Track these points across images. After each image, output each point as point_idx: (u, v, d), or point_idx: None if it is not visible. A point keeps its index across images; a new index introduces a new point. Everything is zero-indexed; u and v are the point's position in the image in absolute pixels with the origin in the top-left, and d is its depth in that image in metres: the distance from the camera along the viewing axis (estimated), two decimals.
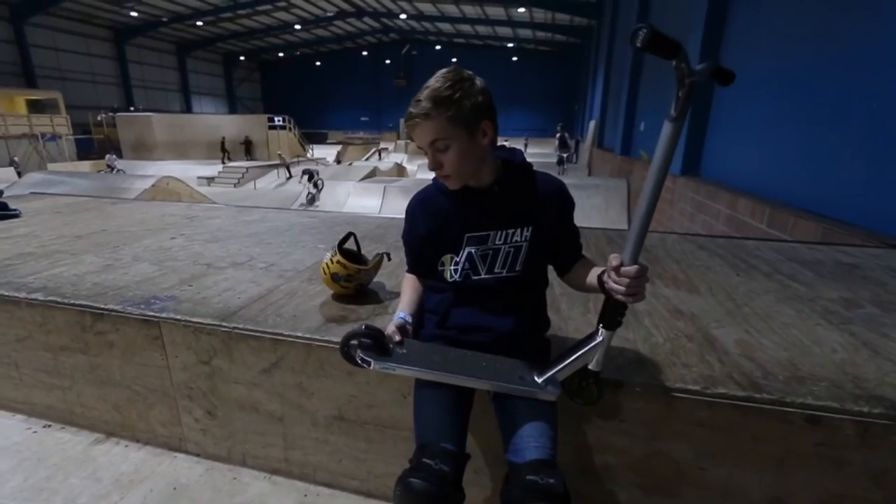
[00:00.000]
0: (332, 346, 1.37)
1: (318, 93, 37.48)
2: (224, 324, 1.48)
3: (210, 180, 15.88)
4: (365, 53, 36.67)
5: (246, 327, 1.45)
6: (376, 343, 1.00)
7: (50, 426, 1.86)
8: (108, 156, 17.24)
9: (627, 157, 11.11)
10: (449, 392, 1.05)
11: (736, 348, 1.37)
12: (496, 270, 1.11)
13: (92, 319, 1.64)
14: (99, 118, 22.60)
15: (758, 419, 1.13)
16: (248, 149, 20.27)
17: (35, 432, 1.84)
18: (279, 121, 21.93)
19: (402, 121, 0.96)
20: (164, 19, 26.19)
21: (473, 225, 1.11)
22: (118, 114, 21.97)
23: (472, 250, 1.10)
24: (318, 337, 1.38)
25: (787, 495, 1.17)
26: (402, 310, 1.17)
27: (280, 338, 1.41)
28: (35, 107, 20.58)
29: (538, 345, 1.22)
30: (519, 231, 1.10)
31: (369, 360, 0.99)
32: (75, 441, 1.78)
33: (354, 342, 1.01)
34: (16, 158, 16.21)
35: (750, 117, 5.30)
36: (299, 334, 1.40)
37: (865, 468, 1.11)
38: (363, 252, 1.79)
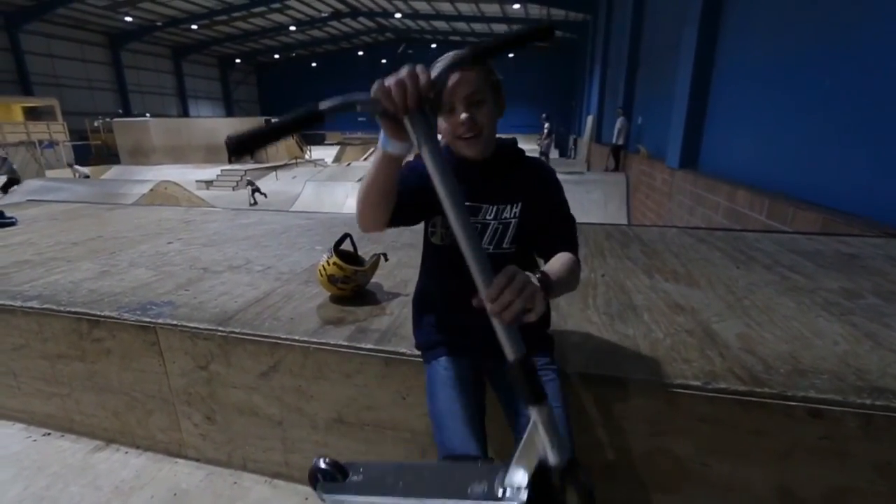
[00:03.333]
0: (330, 348, 1.36)
1: (314, 93, 36.79)
2: (221, 328, 1.47)
3: (208, 184, 15.88)
4: (361, 53, 36.61)
5: (243, 331, 1.44)
6: (333, 474, 0.93)
7: (49, 434, 1.86)
8: (73, 166, 17.24)
9: (626, 150, 11.09)
10: (466, 402, 1.04)
11: (737, 342, 1.36)
12: (484, 245, 1.07)
13: (88, 326, 1.63)
14: (96, 124, 22.58)
15: (760, 413, 1.12)
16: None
17: (35, 441, 1.83)
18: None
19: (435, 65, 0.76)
20: (159, 24, 26.14)
21: (470, 194, 1.07)
22: (115, 119, 21.95)
23: None
24: (315, 340, 1.37)
25: (791, 489, 1.16)
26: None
27: (278, 341, 1.40)
28: (32, 114, 20.54)
29: (538, 333, 1.17)
30: (509, 207, 1.08)
31: (322, 497, 0.91)
32: (75, 449, 1.77)
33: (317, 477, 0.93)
34: (14, 166, 16.16)
35: (748, 109, 5.28)
36: (297, 337, 1.39)
37: (869, 460, 1.10)
38: (360, 253, 1.78)
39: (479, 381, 1.12)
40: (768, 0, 4.93)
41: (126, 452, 1.74)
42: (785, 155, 4.47)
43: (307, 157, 22.51)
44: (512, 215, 1.07)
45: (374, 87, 0.68)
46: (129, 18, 24.69)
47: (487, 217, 1.07)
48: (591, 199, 9.37)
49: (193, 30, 27.93)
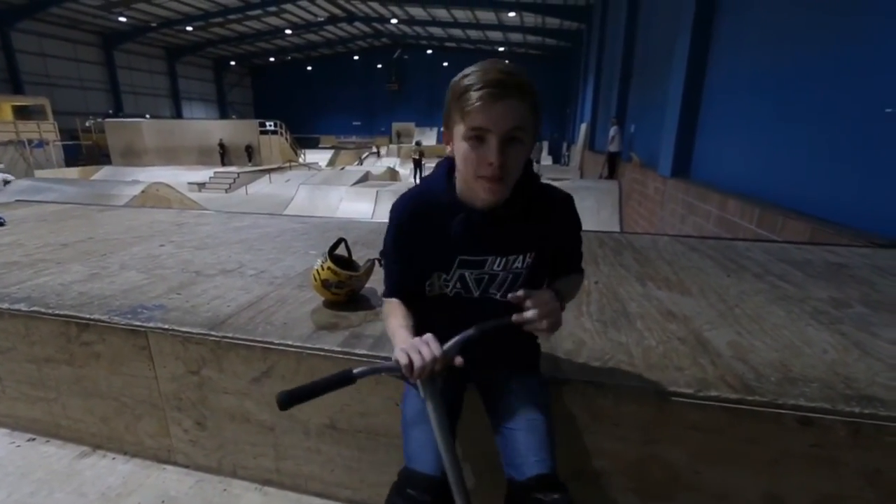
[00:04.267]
0: (323, 354, 1.35)
1: (309, 97, 37.42)
2: (213, 333, 1.45)
3: (201, 186, 15.77)
4: (356, 58, 36.67)
5: (235, 336, 1.43)
6: None
7: (34, 440, 1.82)
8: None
9: (619, 158, 11.19)
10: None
11: (728, 350, 1.37)
12: (491, 292, 0.99)
13: (77, 330, 1.61)
14: (87, 124, 22.35)
15: (751, 421, 1.13)
16: (250, 155, 20.17)
17: (18, 446, 1.80)
18: (271, 126, 21.85)
19: (472, 99, 0.77)
20: (154, 24, 26.02)
21: (468, 248, 0.96)
22: (107, 119, 21.75)
23: (466, 273, 0.98)
24: (309, 345, 1.37)
25: (782, 496, 1.17)
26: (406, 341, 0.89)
27: (270, 346, 1.39)
28: (22, 113, 20.29)
29: (528, 350, 1.16)
30: (521, 258, 0.96)
31: None
32: (60, 455, 1.74)
33: None
34: (1, 166, 15.90)
35: (739, 118, 5.36)
36: (290, 343, 1.38)
37: (859, 468, 1.11)
38: (354, 258, 1.77)
39: (455, 405, 1.09)
40: (760, 11, 5.02)
41: (113, 458, 1.71)
42: (775, 165, 4.54)
43: (301, 160, 22.46)
44: (524, 265, 0.97)
45: (397, 356, 0.84)
46: (123, 19, 24.56)
47: (495, 268, 0.97)
48: (584, 206, 9.33)
49: (188, 31, 27.84)
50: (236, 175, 16.48)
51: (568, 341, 1.42)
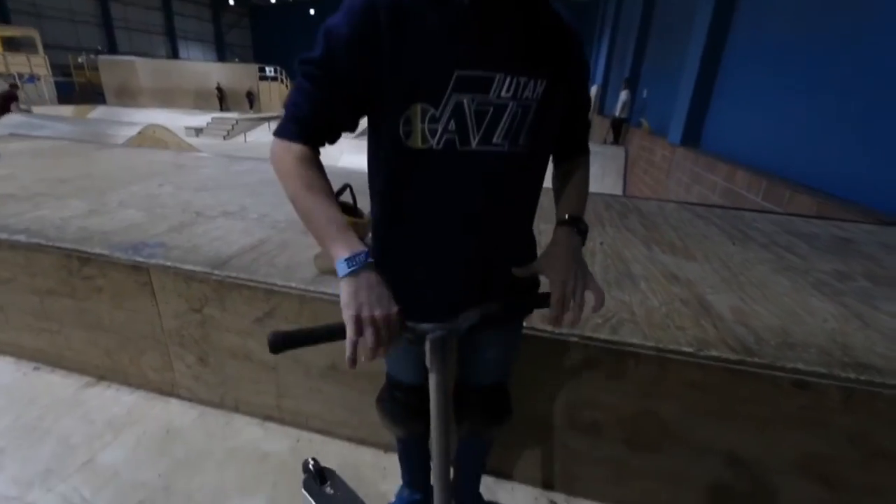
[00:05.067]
0: (326, 298, 1.35)
1: (311, 43, 35.78)
2: (216, 272, 1.44)
3: (198, 131, 15.39)
4: None
5: (238, 276, 1.42)
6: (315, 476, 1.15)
7: (39, 369, 1.86)
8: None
9: (628, 124, 10.92)
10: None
11: (730, 314, 1.38)
12: (495, 141, 0.71)
13: (79, 264, 1.60)
14: (80, 60, 21.47)
15: (748, 382, 1.15)
16: (251, 101, 19.53)
17: (25, 374, 1.83)
18: (271, 72, 21.04)
19: None
20: None
21: (473, 56, 0.67)
22: (100, 57, 20.88)
23: (465, 101, 0.68)
24: (312, 289, 1.36)
25: (767, 453, 1.21)
26: (357, 244, 0.66)
27: (273, 288, 1.39)
28: (10, 45, 19.42)
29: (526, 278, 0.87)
30: (532, 84, 0.71)
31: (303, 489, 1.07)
32: (66, 384, 1.77)
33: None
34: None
35: (755, 89, 5.19)
36: (293, 285, 1.38)
37: (845, 431, 1.15)
38: (359, 206, 1.74)
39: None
40: None
41: (118, 390, 1.75)
42: (787, 138, 4.44)
43: None
44: (534, 95, 0.72)
45: (347, 320, 0.64)
46: None
47: (503, 93, 0.69)
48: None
49: None
50: (235, 121, 16.04)
51: None
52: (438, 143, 0.69)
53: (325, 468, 1.18)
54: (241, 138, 15.22)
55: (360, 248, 0.66)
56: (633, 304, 1.40)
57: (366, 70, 0.67)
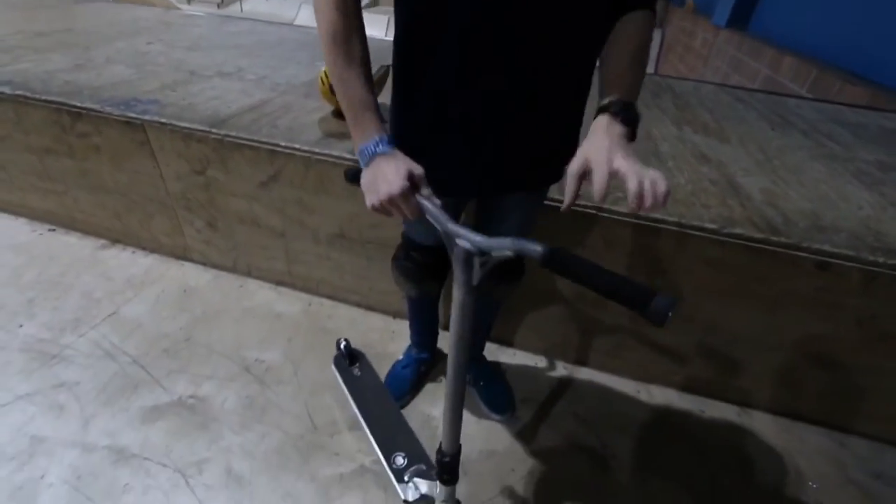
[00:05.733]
0: (332, 160, 1.28)
1: None
2: (215, 130, 1.35)
3: None
4: None
5: (239, 136, 1.34)
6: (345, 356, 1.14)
7: (55, 230, 1.88)
8: None
9: (668, 2, 9.62)
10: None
11: (760, 196, 1.30)
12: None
13: (70, 119, 1.50)
14: None
15: (768, 261, 1.11)
16: None
17: (41, 234, 1.86)
18: None
19: None
20: None
21: None
22: None
23: None
24: (317, 150, 1.28)
25: (769, 332, 1.23)
26: (378, 130, 0.65)
27: (277, 149, 1.31)
28: None
29: (560, 162, 0.82)
30: None
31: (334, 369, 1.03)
32: (82, 245, 1.80)
33: None
34: None
35: None
36: (297, 146, 1.29)
37: (855, 313, 1.14)
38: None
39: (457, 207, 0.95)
40: None
41: (133, 252, 1.78)
42: (847, 20, 3.88)
43: None
44: None
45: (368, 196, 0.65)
46: None
47: None
48: None
49: None
50: None
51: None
52: (473, 2, 0.59)
53: (355, 350, 1.21)
54: (237, 6, 13.79)
55: (375, 134, 0.65)
56: None
57: None
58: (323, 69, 1.44)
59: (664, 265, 1.19)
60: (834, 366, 1.25)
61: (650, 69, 8.20)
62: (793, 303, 1.17)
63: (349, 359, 1.20)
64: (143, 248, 1.78)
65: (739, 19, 5.98)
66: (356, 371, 1.20)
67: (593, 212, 1.16)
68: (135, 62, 1.95)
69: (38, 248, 1.78)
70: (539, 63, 0.67)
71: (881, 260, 1.07)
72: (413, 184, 0.63)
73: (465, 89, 0.69)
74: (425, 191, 0.64)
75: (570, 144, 0.78)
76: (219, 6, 14.09)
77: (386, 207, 0.63)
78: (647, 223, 1.14)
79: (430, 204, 0.62)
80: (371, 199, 0.64)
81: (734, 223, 1.13)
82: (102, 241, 1.82)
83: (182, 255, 1.73)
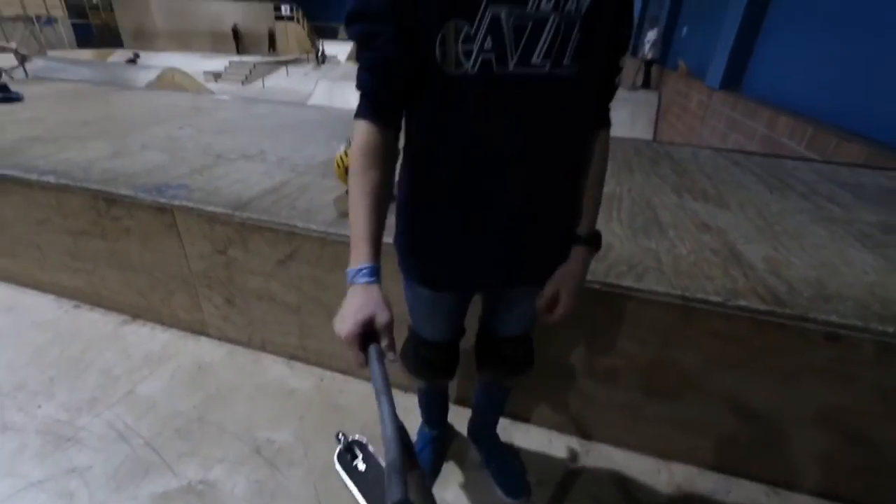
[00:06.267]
0: (347, 240, 1.34)
1: None
2: (238, 213, 1.45)
3: (217, 76, 15.15)
4: None
5: (260, 218, 1.43)
6: (346, 451, 0.96)
7: (79, 307, 1.96)
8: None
9: (662, 66, 10.20)
10: (449, 299, 0.93)
11: (763, 264, 1.32)
12: (534, 61, 0.65)
13: (106, 205, 1.63)
14: (94, 0, 20.99)
15: (776, 333, 1.11)
16: (272, 42, 18.92)
17: (66, 312, 1.94)
18: (286, 11, 20.20)
19: None
20: None
21: None
22: None
23: (502, 14, 0.62)
24: (332, 231, 1.36)
25: (788, 404, 1.20)
26: (367, 260, 0.68)
27: (294, 230, 1.39)
28: None
29: (559, 261, 0.87)
30: None
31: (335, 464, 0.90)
32: (104, 321, 1.87)
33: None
34: (13, 44, 15.33)
35: (809, 27, 4.69)
36: (314, 227, 1.37)
37: (875, 385, 1.12)
38: None
39: (464, 303, 0.98)
40: None
41: (152, 328, 1.84)
42: (838, 80, 4.06)
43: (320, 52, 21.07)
44: (578, 9, 0.64)
45: (337, 329, 0.66)
46: None
47: (543, 4, 0.63)
48: (617, 116, 8.69)
49: None
50: (252, 66, 15.69)
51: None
52: (474, 65, 0.64)
53: (357, 441, 1.14)
54: (259, 83, 14.94)
55: (363, 262, 0.68)
56: (659, 252, 1.35)
57: (402, 6, 0.62)
58: (339, 151, 1.56)
59: (672, 338, 1.20)
60: (863, 441, 1.21)
61: (649, 136, 8.53)
62: (808, 375, 1.15)
63: (351, 454, 1.16)
64: (163, 324, 1.83)
65: (732, 81, 6.28)
66: (360, 465, 1.15)
67: (597, 286, 1.19)
68: (167, 147, 2.12)
69: (63, 325, 1.85)
70: (539, 171, 0.74)
71: (891, 330, 1.07)
72: (373, 331, 0.64)
73: (467, 195, 0.74)
74: (384, 341, 0.65)
75: (567, 241, 0.86)
76: (243, 83, 15.31)
77: (344, 340, 0.64)
78: (652, 297, 1.17)
79: (378, 364, 0.60)
80: (335, 329, 0.66)
81: (738, 295, 1.15)
82: (124, 317, 1.89)
83: (199, 330, 1.78)
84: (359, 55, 0.68)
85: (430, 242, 0.81)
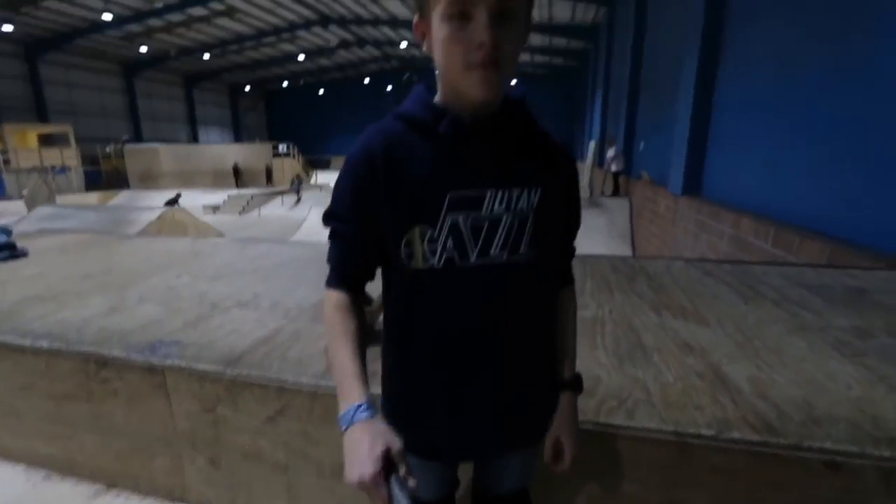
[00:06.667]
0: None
1: (321, 119, 38.28)
2: (229, 371, 1.47)
3: (215, 209, 16.09)
4: (366, 81, 37.52)
5: (250, 374, 1.44)
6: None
7: (50, 478, 1.83)
8: None
9: (628, 176, 11.19)
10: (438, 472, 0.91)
11: (748, 386, 1.34)
12: (493, 252, 0.74)
13: (96, 367, 1.63)
14: (108, 150, 23.10)
15: (776, 465, 1.09)
16: (269, 176, 20.66)
17: (35, 486, 1.81)
18: (283, 148, 22.34)
19: None
20: (173, 53, 27.02)
21: (462, 178, 0.72)
22: (127, 146, 22.48)
23: (459, 220, 0.72)
24: (323, 383, 1.37)
25: None
26: (362, 397, 0.73)
27: (285, 386, 1.40)
28: (46, 140, 21.06)
29: (546, 419, 0.89)
30: (526, 193, 0.74)
31: None
32: (76, 493, 1.74)
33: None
34: (24, 192, 16.44)
35: (751, 135, 5.33)
36: (304, 381, 1.39)
37: None
38: (367, 291, 1.78)
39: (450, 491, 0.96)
40: (766, 32, 5.05)
41: (127, 498, 1.71)
42: (789, 182, 4.50)
43: (313, 181, 22.83)
44: (529, 205, 0.74)
45: (348, 475, 0.71)
46: (144, 49, 25.52)
47: (497, 207, 0.73)
48: (595, 223, 9.41)
49: (205, 59, 28.81)
50: (250, 197, 16.82)
51: (584, 378, 1.40)
52: (439, 261, 0.73)
53: None
54: (255, 213, 15.86)
55: (356, 399, 0.73)
56: (647, 381, 1.37)
57: (371, 210, 0.74)
58: None
59: (673, 477, 1.16)
60: None
61: (626, 239, 9.04)
62: None
63: None
64: (139, 492, 1.71)
65: (693, 187, 6.85)
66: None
67: (590, 426, 1.19)
68: (164, 298, 2.19)
69: (28, 502, 1.71)
70: (511, 344, 0.80)
71: (888, 454, 1.06)
72: (390, 461, 0.67)
73: (444, 372, 0.79)
74: (402, 468, 0.67)
75: (550, 400, 0.90)
76: (240, 213, 16.22)
77: (359, 488, 0.67)
78: (646, 434, 1.16)
79: (403, 491, 0.63)
80: (348, 477, 0.68)
81: (730, 425, 1.15)
82: (97, 486, 1.76)
83: (179, 496, 1.66)
84: (331, 243, 0.81)
85: (416, 414, 0.84)
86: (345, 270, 0.80)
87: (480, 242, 0.74)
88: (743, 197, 5.37)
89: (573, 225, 0.88)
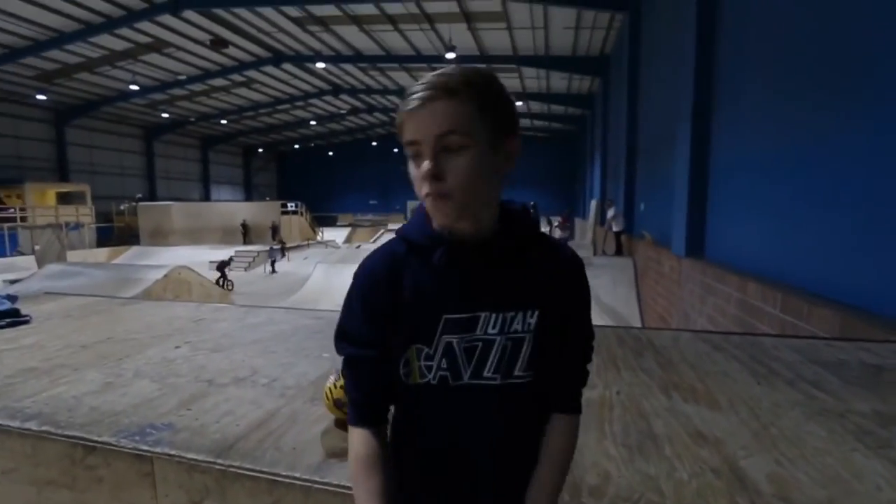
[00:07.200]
0: (332, 489, 1.28)
1: (329, 178, 39.73)
2: (219, 461, 1.40)
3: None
4: (374, 143, 39.33)
5: (242, 465, 1.38)
6: None
7: None
8: None
9: (630, 235, 11.30)
10: None
11: (768, 486, 1.26)
12: (486, 374, 0.75)
13: (84, 453, 1.57)
14: (122, 207, 23.86)
15: None
16: (274, 233, 21.14)
17: None
18: (292, 206, 23.00)
19: (402, 111, 0.68)
20: (192, 119, 28.65)
21: (456, 301, 0.74)
22: (140, 203, 23.23)
23: (454, 340, 0.74)
24: (317, 479, 1.30)
25: None
26: None
27: (277, 479, 1.33)
28: (64, 198, 21.83)
29: None
30: (521, 316, 0.75)
31: None
32: None
33: None
34: (37, 247, 16.81)
35: (751, 197, 5.35)
36: (298, 475, 1.32)
37: None
38: None
39: None
40: (755, 102, 5.28)
41: None
42: (793, 246, 4.47)
43: (319, 238, 23.23)
44: (525, 328, 0.75)
45: None
46: (165, 115, 27.10)
47: (490, 331, 0.74)
48: (600, 282, 9.38)
49: (222, 124, 30.46)
50: (256, 254, 17.05)
51: (592, 473, 1.33)
52: (434, 378, 0.76)
53: None
54: (260, 269, 16.01)
55: None
56: (659, 479, 1.29)
57: (382, 327, 0.77)
58: (329, 383, 1.60)
59: None
60: None
61: (632, 298, 8.96)
62: None
63: None
64: None
65: (696, 249, 6.85)
66: None
67: None
68: (160, 374, 2.15)
69: None
70: (506, 465, 0.79)
71: None
72: None
73: (441, 488, 0.79)
74: None
75: None
76: (246, 269, 16.35)
77: None
78: None
79: None
80: None
81: None
82: None
83: None
84: (346, 371, 0.82)
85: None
86: (364, 405, 0.80)
87: (473, 363, 0.76)
88: (747, 259, 5.34)
89: (580, 345, 0.83)
